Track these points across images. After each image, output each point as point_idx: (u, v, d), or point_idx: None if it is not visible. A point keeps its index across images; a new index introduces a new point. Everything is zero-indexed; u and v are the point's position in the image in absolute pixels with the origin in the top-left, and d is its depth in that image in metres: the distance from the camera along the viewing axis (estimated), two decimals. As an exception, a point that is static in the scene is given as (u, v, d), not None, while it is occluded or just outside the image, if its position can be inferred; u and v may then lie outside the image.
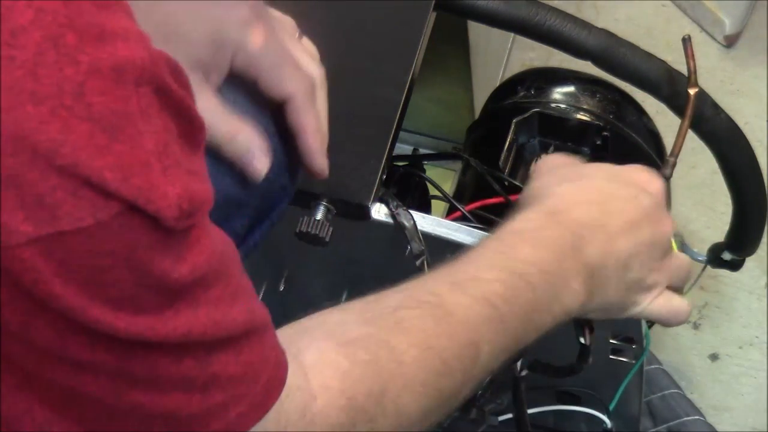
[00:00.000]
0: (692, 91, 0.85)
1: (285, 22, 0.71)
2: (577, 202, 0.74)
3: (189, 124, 0.48)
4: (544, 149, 1.00)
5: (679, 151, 0.84)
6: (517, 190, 0.93)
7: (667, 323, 0.79)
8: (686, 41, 0.85)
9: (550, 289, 0.70)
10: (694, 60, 0.85)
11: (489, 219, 0.93)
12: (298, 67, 0.67)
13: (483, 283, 0.68)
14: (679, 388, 1.22)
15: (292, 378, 0.56)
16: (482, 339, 0.66)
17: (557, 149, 0.99)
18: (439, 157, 1.27)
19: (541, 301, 0.69)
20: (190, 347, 0.49)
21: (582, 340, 0.80)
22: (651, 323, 0.96)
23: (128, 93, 0.43)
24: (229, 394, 0.52)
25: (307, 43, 0.72)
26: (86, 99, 0.42)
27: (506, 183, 0.96)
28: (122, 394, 0.48)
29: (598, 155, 0.97)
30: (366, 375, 0.61)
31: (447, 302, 0.66)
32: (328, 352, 0.60)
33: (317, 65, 0.70)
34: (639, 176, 0.77)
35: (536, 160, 0.94)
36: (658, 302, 0.76)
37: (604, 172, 0.77)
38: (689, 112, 0.85)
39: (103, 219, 0.43)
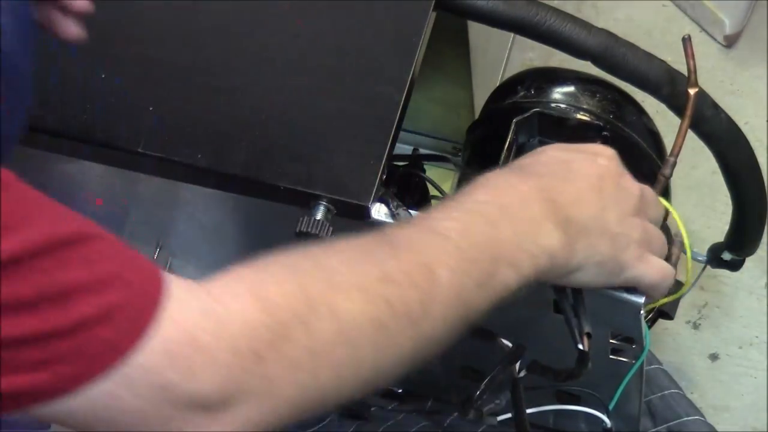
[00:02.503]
0: (692, 91, 0.85)
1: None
2: (538, 164, 0.76)
3: None
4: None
5: (679, 150, 0.84)
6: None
7: (657, 287, 0.79)
8: (686, 41, 0.85)
9: (516, 226, 0.70)
10: (694, 60, 0.85)
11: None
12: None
13: (432, 220, 0.68)
14: (679, 388, 1.22)
15: (183, 284, 0.57)
16: (435, 262, 0.65)
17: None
18: (439, 157, 1.27)
19: (505, 236, 0.69)
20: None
21: (580, 346, 0.80)
22: (651, 323, 0.96)
23: None
24: (93, 304, 0.52)
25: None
26: None
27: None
28: None
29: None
30: (283, 281, 0.60)
31: (390, 235, 0.66)
32: (233, 274, 0.60)
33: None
34: (590, 146, 0.79)
35: None
36: (645, 263, 0.77)
37: (556, 147, 0.79)
38: (689, 112, 0.85)
39: None
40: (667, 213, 0.85)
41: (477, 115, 1.18)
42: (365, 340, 0.61)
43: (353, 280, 0.62)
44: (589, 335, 0.80)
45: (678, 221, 0.86)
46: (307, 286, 0.60)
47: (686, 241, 0.87)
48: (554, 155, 0.77)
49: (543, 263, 0.70)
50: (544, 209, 0.71)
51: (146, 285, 0.55)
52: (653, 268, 0.77)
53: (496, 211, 0.70)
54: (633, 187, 0.77)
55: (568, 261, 0.72)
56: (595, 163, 0.76)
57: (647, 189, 0.79)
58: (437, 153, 1.33)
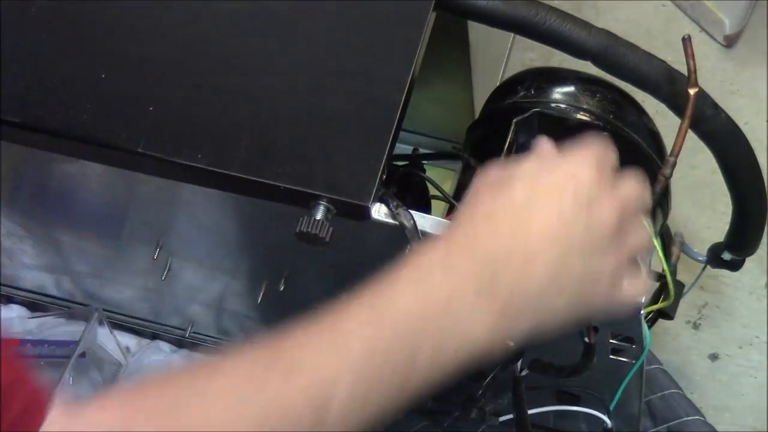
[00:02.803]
0: (692, 91, 0.85)
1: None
2: (487, 227, 0.69)
3: None
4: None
5: (679, 150, 0.84)
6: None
7: (626, 309, 0.73)
8: (686, 41, 0.85)
9: (439, 331, 0.66)
10: (694, 60, 0.85)
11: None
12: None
13: (337, 333, 0.66)
14: (679, 388, 1.22)
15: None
16: (330, 385, 0.63)
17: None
18: (439, 157, 1.27)
19: (422, 343, 0.65)
20: None
21: (586, 339, 0.80)
22: (651, 323, 0.96)
23: None
24: None
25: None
26: None
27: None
28: None
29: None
30: (156, 413, 0.60)
31: (287, 351, 0.65)
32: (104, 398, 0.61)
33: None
34: (566, 167, 0.71)
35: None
36: (614, 293, 0.70)
37: (526, 180, 0.70)
38: (689, 111, 0.85)
39: None
40: (659, 209, 0.84)
41: (477, 115, 1.18)
42: None
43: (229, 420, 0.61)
44: (596, 329, 0.80)
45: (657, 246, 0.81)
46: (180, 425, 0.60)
47: (664, 266, 0.85)
48: (516, 196, 0.69)
49: (474, 351, 0.67)
50: (477, 302, 0.66)
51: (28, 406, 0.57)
52: (623, 297, 0.71)
53: (415, 322, 0.66)
54: (605, 205, 0.69)
55: (507, 337, 0.68)
56: (559, 200, 0.69)
57: (638, 199, 0.72)
58: (437, 153, 1.33)
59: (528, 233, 0.68)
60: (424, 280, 0.67)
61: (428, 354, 0.66)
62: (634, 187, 0.72)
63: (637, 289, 0.71)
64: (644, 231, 0.72)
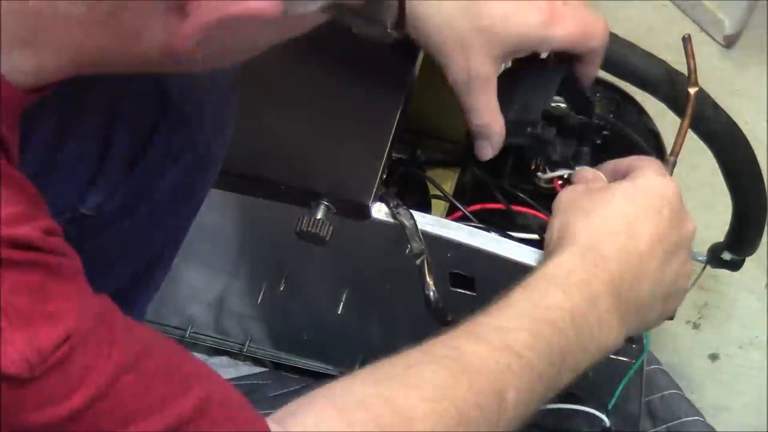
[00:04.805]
0: (692, 91, 0.85)
1: None
2: (602, 236, 0.76)
3: (48, 273, 0.51)
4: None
5: (679, 150, 0.84)
6: (517, 189, 0.93)
7: None
8: (686, 40, 0.85)
9: (583, 332, 0.71)
10: (694, 59, 0.85)
11: (489, 219, 0.93)
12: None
13: (506, 332, 0.69)
14: (678, 388, 1.22)
15: None
16: (507, 387, 0.66)
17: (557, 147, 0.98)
18: (439, 157, 1.27)
19: (572, 344, 0.71)
20: None
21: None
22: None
23: None
24: None
25: None
26: None
27: (506, 184, 0.96)
28: None
29: (598, 155, 0.97)
30: (359, 420, 0.61)
31: (466, 354, 0.66)
32: (324, 417, 0.61)
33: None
34: (654, 187, 0.79)
35: (538, 161, 0.94)
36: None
37: (621, 194, 0.79)
38: (689, 111, 0.85)
39: None
40: None
41: (477, 115, 1.18)
42: None
43: (432, 430, 0.63)
44: None
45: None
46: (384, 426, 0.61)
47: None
48: (619, 212, 0.77)
49: (601, 357, 0.74)
50: (610, 305, 0.73)
51: None
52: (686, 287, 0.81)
53: (565, 318, 0.71)
54: (688, 225, 0.79)
55: (620, 343, 0.76)
56: (658, 218, 0.77)
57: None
58: (437, 153, 1.33)
59: (637, 237, 0.76)
60: (567, 286, 0.73)
61: (572, 360, 0.71)
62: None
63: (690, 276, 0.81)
64: (691, 221, 0.80)
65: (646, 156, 0.85)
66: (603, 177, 0.84)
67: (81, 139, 0.72)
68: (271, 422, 0.59)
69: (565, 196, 0.81)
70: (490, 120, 0.83)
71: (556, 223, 0.79)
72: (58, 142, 0.70)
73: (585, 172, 0.85)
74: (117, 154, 0.74)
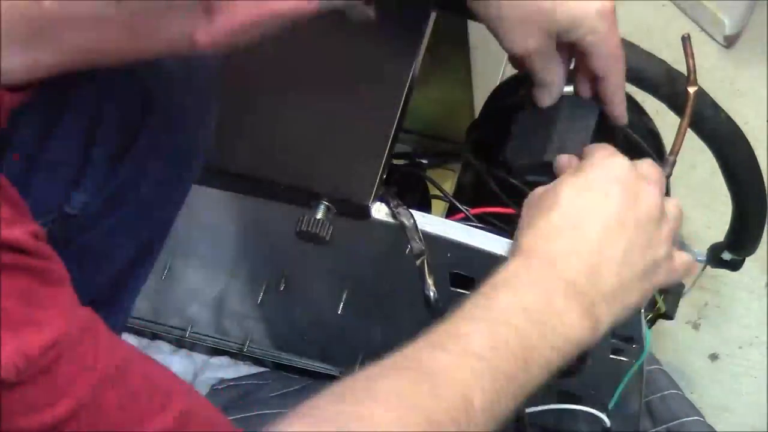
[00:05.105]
0: (692, 90, 0.85)
1: None
2: (546, 239, 0.75)
3: (36, 278, 0.51)
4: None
5: (679, 150, 0.84)
6: (516, 190, 0.93)
7: (680, 280, 0.82)
8: (686, 40, 0.85)
9: (545, 327, 0.71)
10: (693, 59, 0.85)
11: (490, 220, 0.93)
12: None
13: (464, 338, 0.69)
14: (678, 388, 1.22)
15: None
16: (471, 390, 0.66)
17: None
18: (439, 157, 1.27)
19: (534, 341, 0.70)
20: None
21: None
22: (651, 323, 0.96)
23: None
24: None
25: None
26: None
27: (506, 183, 0.96)
28: None
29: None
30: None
31: (426, 362, 0.67)
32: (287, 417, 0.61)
33: None
34: (599, 172, 0.77)
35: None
36: (671, 269, 0.78)
37: (568, 191, 0.77)
38: (689, 111, 0.85)
39: None
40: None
41: (477, 115, 1.18)
42: None
43: (400, 430, 0.63)
44: None
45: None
46: None
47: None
48: (567, 206, 0.76)
49: (572, 350, 0.72)
50: (568, 300, 0.72)
51: None
52: (677, 270, 0.79)
53: (521, 316, 0.71)
54: (649, 198, 0.77)
55: (596, 334, 0.74)
56: (606, 202, 0.76)
57: (660, 180, 0.79)
58: (437, 153, 1.33)
59: (585, 229, 0.75)
60: (517, 286, 0.73)
61: (538, 356, 0.70)
62: (650, 166, 0.79)
63: (687, 262, 0.80)
64: (675, 205, 0.79)
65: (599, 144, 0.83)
66: (576, 160, 0.82)
67: (66, 138, 0.72)
68: None
69: (527, 201, 0.80)
70: (551, 80, 0.84)
71: (518, 225, 0.79)
72: (42, 142, 0.70)
73: (561, 160, 0.82)
74: (102, 152, 0.74)
